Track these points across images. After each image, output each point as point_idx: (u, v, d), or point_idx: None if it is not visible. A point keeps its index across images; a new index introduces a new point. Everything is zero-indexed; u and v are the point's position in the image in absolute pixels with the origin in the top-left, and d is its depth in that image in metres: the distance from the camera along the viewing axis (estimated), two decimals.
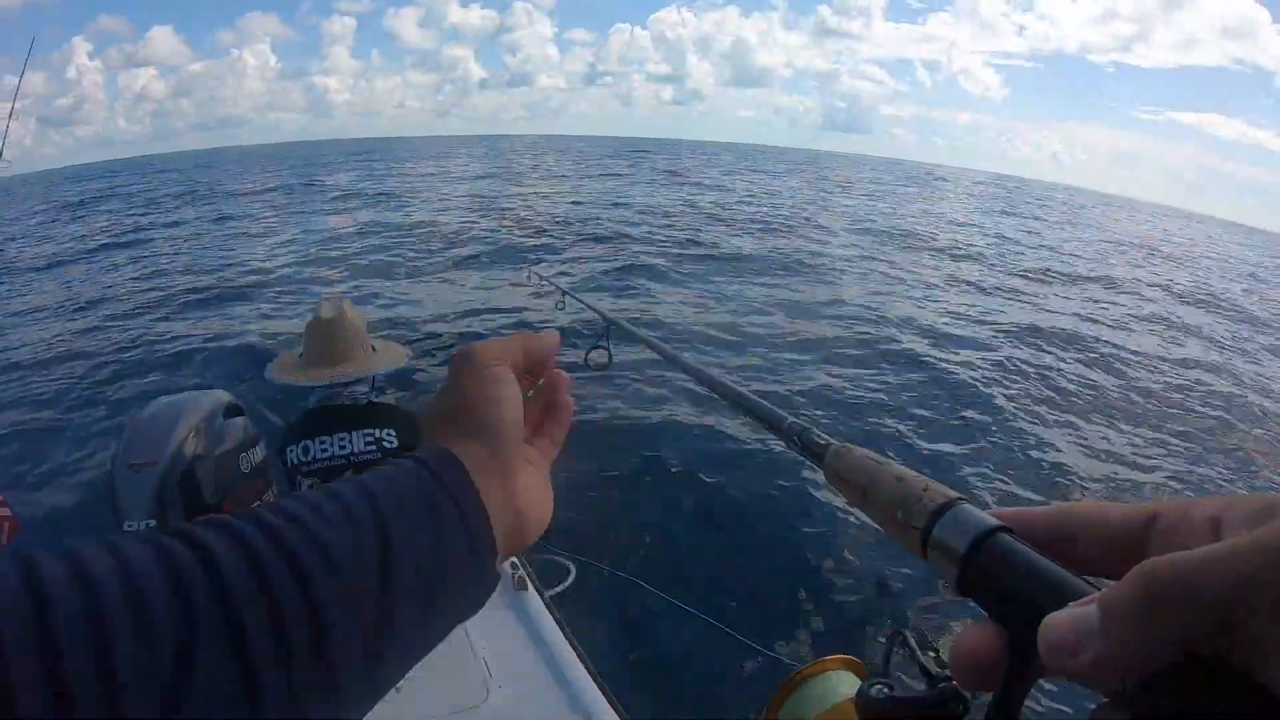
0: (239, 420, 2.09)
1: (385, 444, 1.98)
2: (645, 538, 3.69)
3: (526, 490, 0.44)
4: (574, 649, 1.79)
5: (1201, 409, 6.98)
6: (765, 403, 0.54)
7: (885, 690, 0.29)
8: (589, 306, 1.87)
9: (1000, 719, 0.24)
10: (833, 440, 0.40)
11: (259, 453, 2.10)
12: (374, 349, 2.06)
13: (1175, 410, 6.87)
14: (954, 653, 0.26)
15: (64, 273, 12.34)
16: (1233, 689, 0.19)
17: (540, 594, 1.98)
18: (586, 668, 1.74)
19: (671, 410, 4.94)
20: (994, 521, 0.27)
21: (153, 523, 1.93)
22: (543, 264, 10.20)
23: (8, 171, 2.24)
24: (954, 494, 0.29)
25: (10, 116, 2.34)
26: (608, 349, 1.54)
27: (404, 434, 2.02)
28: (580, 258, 11.80)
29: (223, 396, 2.13)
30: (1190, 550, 0.20)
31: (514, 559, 2.11)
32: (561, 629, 1.85)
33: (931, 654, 0.36)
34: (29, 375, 6.97)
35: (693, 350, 6.53)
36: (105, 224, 18.94)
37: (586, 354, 1.54)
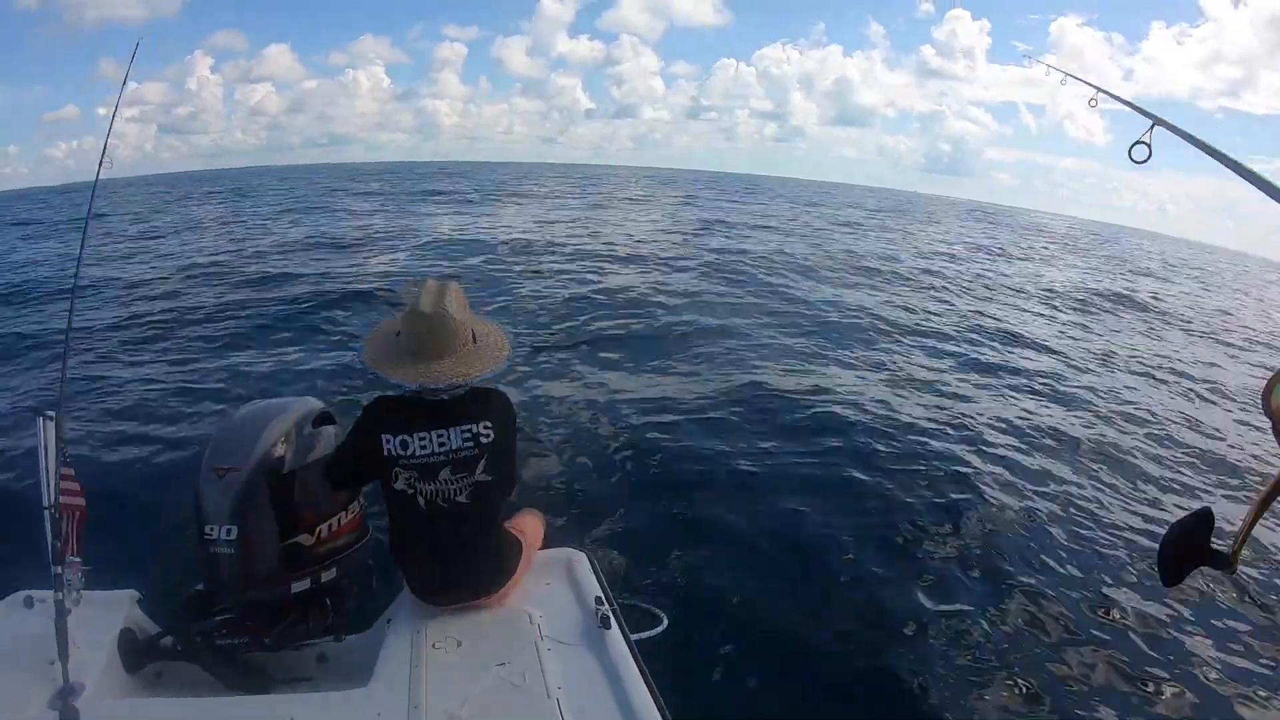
0: (329, 429, 2.07)
1: (482, 439, 1.94)
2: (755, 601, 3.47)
3: None
4: (655, 699, 1.66)
5: None
6: None
7: None
8: None
9: None
10: None
11: None
12: (474, 340, 1.98)
13: None
14: None
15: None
16: None
17: (625, 636, 1.86)
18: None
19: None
20: None
21: (233, 529, 1.89)
22: None
23: (112, 173, 2.39)
24: None
25: (113, 119, 2.50)
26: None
27: (499, 426, 1.97)
28: None
29: (314, 404, 2.12)
30: None
31: (599, 594, 2.00)
32: (644, 677, 1.72)
33: None
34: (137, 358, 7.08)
35: None
36: None
37: None
